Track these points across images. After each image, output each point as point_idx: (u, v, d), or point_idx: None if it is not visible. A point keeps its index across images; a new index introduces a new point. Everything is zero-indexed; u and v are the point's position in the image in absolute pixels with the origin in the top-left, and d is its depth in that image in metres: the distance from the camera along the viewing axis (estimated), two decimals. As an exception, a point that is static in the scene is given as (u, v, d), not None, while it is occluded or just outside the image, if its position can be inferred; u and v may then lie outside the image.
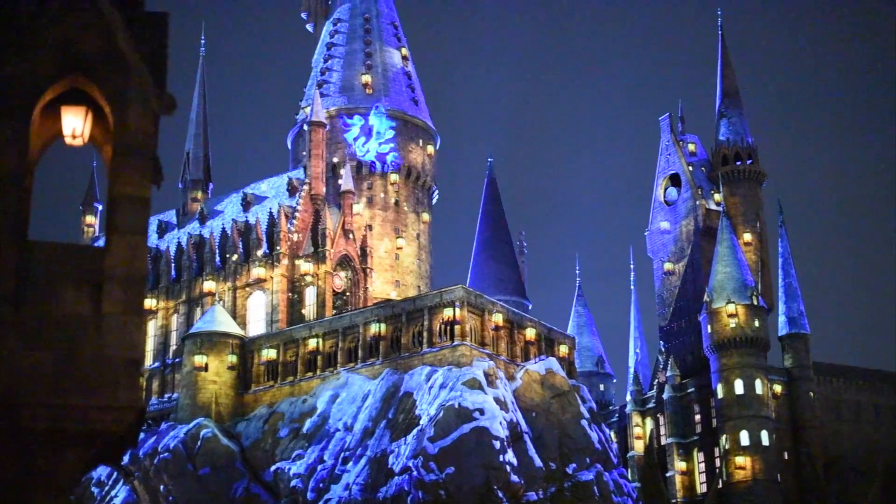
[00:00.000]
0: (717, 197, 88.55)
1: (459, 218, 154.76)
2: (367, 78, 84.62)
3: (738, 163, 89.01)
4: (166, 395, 72.94)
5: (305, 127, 78.78)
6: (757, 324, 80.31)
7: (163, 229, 79.41)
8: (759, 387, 78.74)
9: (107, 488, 66.13)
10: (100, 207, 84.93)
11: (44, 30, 8.14)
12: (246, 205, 76.75)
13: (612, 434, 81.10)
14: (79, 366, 7.77)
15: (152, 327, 75.41)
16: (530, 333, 66.30)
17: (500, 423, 58.22)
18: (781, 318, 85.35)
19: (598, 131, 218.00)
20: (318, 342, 66.94)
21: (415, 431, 58.79)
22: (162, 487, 64.33)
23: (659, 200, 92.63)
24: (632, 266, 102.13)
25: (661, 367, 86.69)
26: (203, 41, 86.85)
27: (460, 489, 56.34)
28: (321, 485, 60.88)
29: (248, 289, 73.30)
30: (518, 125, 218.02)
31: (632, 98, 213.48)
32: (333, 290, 72.19)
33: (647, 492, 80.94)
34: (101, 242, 8.86)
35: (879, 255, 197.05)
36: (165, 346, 75.13)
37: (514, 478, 57.37)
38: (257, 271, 72.70)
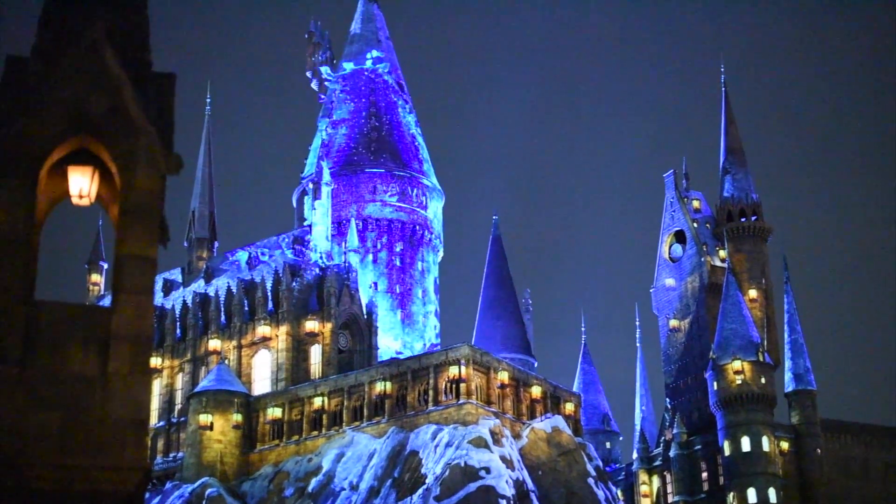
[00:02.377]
0: (722, 253, 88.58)
1: (465, 275, 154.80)
2: (371, 136, 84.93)
3: (743, 219, 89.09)
4: (171, 455, 72.67)
5: (310, 185, 78.99)
6: (763, 380, 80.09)
7: (168, 287, 79.40)
8: (766, 444, 78.42)
9: (111, 549, 65.76)
10: (105, 266, 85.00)
11: (52, 90, 8.19)
12: (251, 263, 76.80)
13: (619, 492, 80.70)
14: (85, 425, 7.76)
15: (157, 386, 75.19)
16: (536, 391, 66.15)
17: (507, 482, 57.97)
18: (788, 375, 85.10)
19: (602, 188, 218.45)
20: (323, 401, 66.80)
21: (420, 490, 58.52)
22: (166, 547, 64.00)
23: (664, 257, 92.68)
24: (637, 323, 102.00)
25: (668, 424, 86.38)
26: (209, 100, 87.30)
27: (467, 548, 56.01)
28: (327, 544, 60.57)
29: (252, 347, 73.20)
30: (523, 182, 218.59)
31: (636, 155, 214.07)
32: (338, 349, 72.11)
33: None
34: (106, 301, 8.86)
35: (886, 310, 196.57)
36: (170, 404, 74.92)
37: (521, 537, 57.06)
38: (262, 330, 72.62)
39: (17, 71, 8.30)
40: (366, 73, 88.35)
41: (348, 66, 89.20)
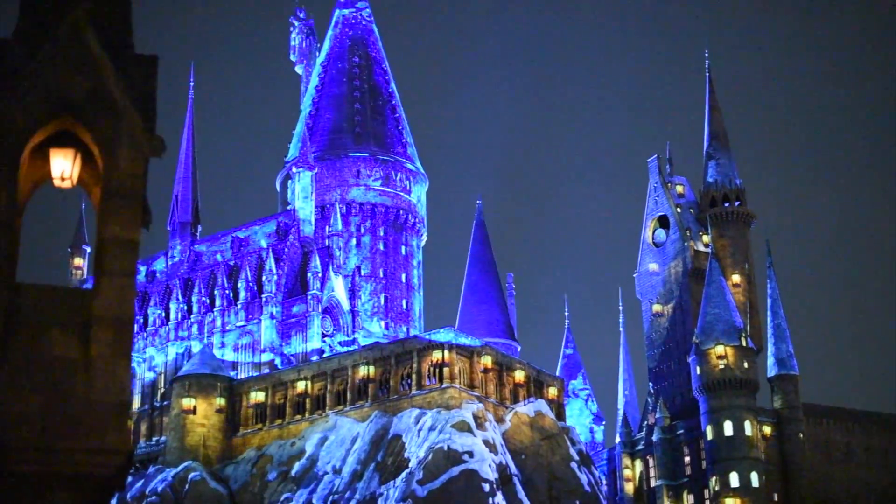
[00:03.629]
0: (706, 238, 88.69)
1: (448, 260, 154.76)
2: (355, 120, 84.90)
3: (727, 204, 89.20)
4: (154, 438, 72.65)
5: (294, 169, 78.91)
6: (746, 365, 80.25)
7: (151, 271, 79.31)
8: (748, 428, 78.61)
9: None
10: (88, 249, 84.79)
11: (34, 72, 8.15)
12: (234, 247, 76.73)
13: (602, 476, 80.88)
14: (67, 409, 7.74)
15: (141, 369, 75.16)
16: (519, 376, 66.22)
17: (490, 466, 58.07)
18: (770, 360, 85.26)
19: (586, 173, 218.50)
20: (306, 385, 66.81)
21: (404, 474, 58.61)
22: (149, 531, 63.96)
23: (647, 242, 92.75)
24: (620, 308, 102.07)
25: (651, 408, 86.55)
26: (192, 83, 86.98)
27: (449, 532, 56.12)
28: (310, 528, 60.60)
29: (236, 330, 73.19)
30: (507, 167, 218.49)
31: (620, 140, 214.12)
32: (322, 333, 72.12)
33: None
34: (89, 285, 8.85)
35: (868, 295, 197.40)
36: (154, 388, 74.90)
37: (504, 521, 57.16)
38: (246, 313, 72.61)
39: (-2, 53, 8.26)
40: (349, 57, 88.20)
41: (332, 51, 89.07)
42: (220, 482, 65.10)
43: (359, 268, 79.04)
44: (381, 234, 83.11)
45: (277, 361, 71.06)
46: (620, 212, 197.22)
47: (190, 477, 64.50)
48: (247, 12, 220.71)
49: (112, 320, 7.97)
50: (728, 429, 78.53)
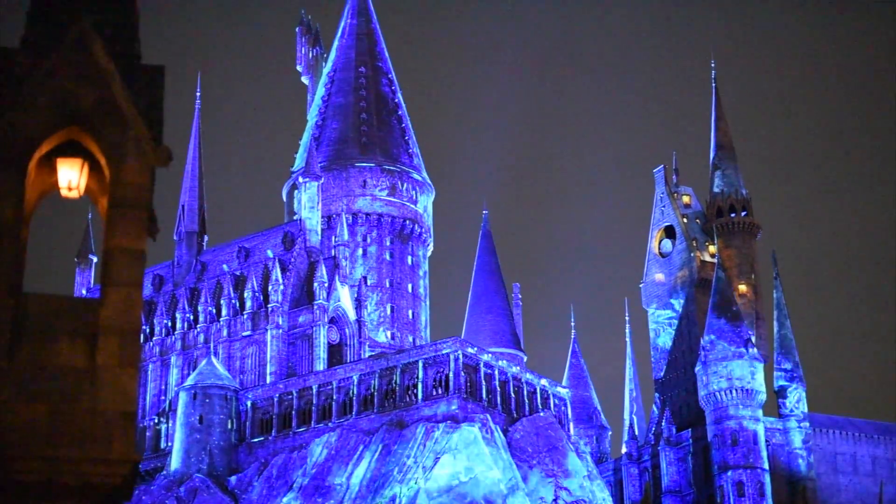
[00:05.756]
0: (712, 249, 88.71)
1: (455, 270, 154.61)
2: (362, 130, 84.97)
3: (733, 215, 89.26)
4: (160, 448, 72.65)
5: (300, 179, 78.96)
6: (752, 375, 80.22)
7: (157, 281, 79.34)
8: (754, 438, 78.55)
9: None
10: (95, 259, 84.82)
11: (40, 82, 8.16)
12: (241, 257, 76.76)
13: (608, 487, 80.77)
14: (73, 418, 7.74)
15: (147, 379, 75.19)
16: (526, 386, 66.18)
17: (496, 477, 57.99)
18: (777, 370, 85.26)
19: (592, 183, 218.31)
20: (312, 394, 66.78)
21: (410, 485, 58.54)
22: (155, 541, 63.93)
23: (654, 252, 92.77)
24: (627, 318, 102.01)
25: (657, 418, 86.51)
26: (199, 93, 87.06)
27: (455, 542, 56.05)
28: (315, 538, 60.53)
29: (242, 341, 73.19)
30: (513, 177, 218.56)
31: (626, 150, 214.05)
32: (328, 343, 72.10)
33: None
34: (95, 294, 8.84)
35: (875, 305, 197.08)
36: (160, 398, 74.92)
37: (510, 531, 57.08)
38: (252, 323, 72.61)
39: (5, 62, 8.27)
40: (355, 67, 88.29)
41: (338, 61, 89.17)
42: (226, 493, 65.07)
43: (365, 278, 79.02)
44: (388, 244, 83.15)
45: (283, 371, 71.04)
46: (626, 222, 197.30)
47: (195, 487, 64.48)
48: (253, 23, 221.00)
49: (118, 330, 7.97)
50: (734, 439, 78.48)
